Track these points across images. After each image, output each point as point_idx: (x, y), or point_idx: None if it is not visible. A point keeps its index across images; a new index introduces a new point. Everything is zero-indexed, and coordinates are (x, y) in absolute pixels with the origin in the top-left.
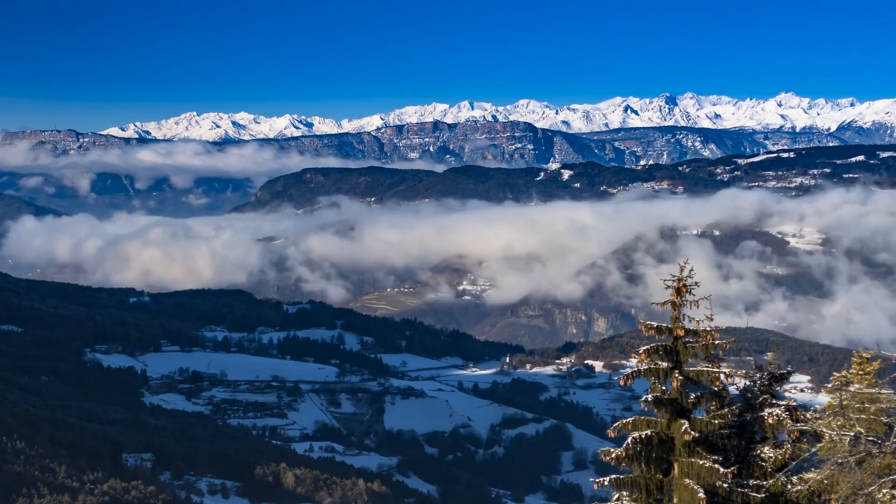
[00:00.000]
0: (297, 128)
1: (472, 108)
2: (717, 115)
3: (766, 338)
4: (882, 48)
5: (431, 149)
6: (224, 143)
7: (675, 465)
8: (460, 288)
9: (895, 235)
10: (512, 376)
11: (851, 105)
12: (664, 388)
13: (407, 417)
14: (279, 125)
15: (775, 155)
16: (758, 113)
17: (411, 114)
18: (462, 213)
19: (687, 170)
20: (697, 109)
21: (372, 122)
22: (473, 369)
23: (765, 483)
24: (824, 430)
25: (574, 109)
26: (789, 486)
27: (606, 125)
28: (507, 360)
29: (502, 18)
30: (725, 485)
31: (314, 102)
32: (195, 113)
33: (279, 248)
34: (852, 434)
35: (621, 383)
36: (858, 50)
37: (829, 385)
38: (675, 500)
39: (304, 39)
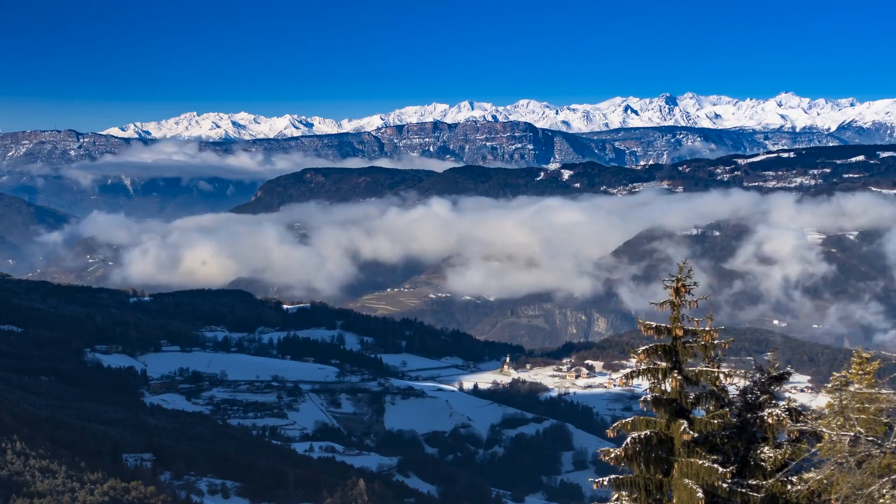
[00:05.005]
0: (297, 128)
1: (472, 108)
2: (717, 115)
3: (766, 338)
4: (882, 48)
5: (431, 149)
6: (224, 143)
7: (675, 465)
8: (460, 288)
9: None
10: (512, 376)
11: (851, 105)
12: (663, 388)
13: (407, 417)
14: (279, 125)
15: (775, 155)
16: (758, 113)
17: (411, 114)
18: (462, 213)
19: (687, 170)
20: (697, 109)
21: (372, 122)
22: (473, 369)
23: (765, 483)
24: (824, 430)
25: (574, 109)
26: (789, 486)
27: (606, 125)
28: (508, 360)
29: (502, 18)
30: (725, 485)
31: (314, 102)
32: (195, 113)
33: (280, 247)
34: (852, 434)
35: (620, 383)
36: (858, 50)
37: (829, 385)
38: (674, 501)
39: (304, 39)
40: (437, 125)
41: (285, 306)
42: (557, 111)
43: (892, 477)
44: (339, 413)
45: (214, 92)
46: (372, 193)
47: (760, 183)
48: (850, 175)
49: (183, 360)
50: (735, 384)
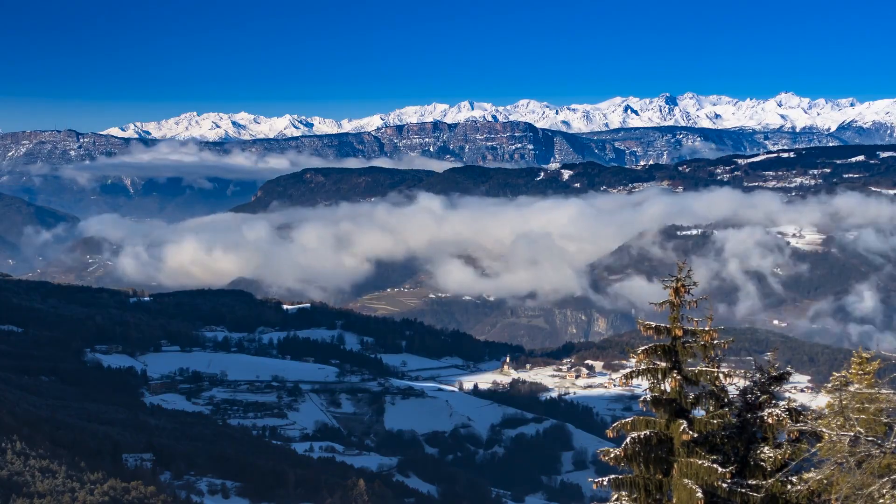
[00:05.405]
0: (297, 128)
1: (472, 108)
2: (717, 115)
3: (766, 338)
4: (882, 48)
5: (431, 149)
6: (224, 143)
7: (675, 466)
8: (460, 288)
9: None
10: (512, 376)
11: (851, 105)
12: (663, 388)
13: (407, 417)
14: (279, 125)
15: (775, 155)
16: (758, 113)
17: (411, 114)
18: (462, 213)
19: (687, 170)
20: (697, 109)
21: (372, 122)
22: (473, 369)
23: (765, 483)
24: (824, 430)
25: (574, 109)
26: (789, 486)
27: (606, 125)
28: (508, 360)
29: (502, 18)
30: (725, 485)
31: (314, 102)
32: (195, 113)
33: (280, 247)
34: (852, 434)
35: (620, 383)
36: (858, 50)
37: (829, 385)
38: (674, 501)
39: (304, 39)
40: (437, 125)
41: (285, 306)
42: (557, 111)
43: (892, 477)
44: (339, 413)
45: (214, 92)
46: (372, 193)
47: (760, 183)
48: (850, 175)
49: (183, 360)
50: (735, 384)
